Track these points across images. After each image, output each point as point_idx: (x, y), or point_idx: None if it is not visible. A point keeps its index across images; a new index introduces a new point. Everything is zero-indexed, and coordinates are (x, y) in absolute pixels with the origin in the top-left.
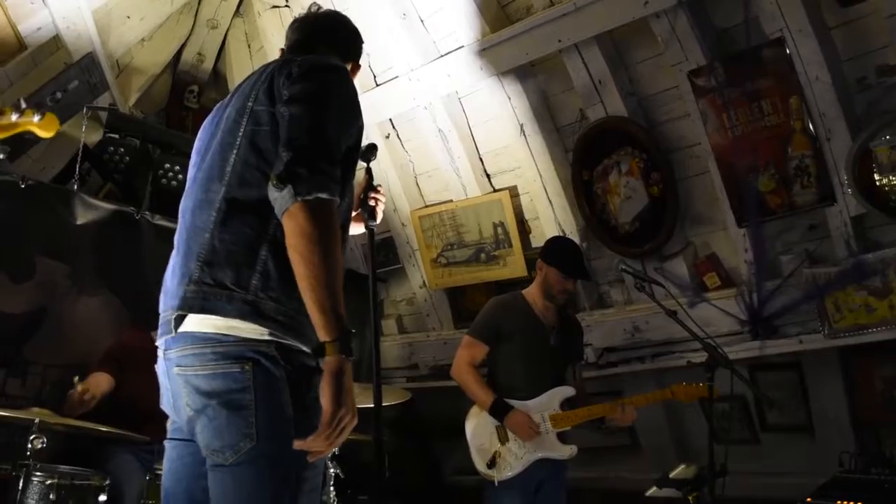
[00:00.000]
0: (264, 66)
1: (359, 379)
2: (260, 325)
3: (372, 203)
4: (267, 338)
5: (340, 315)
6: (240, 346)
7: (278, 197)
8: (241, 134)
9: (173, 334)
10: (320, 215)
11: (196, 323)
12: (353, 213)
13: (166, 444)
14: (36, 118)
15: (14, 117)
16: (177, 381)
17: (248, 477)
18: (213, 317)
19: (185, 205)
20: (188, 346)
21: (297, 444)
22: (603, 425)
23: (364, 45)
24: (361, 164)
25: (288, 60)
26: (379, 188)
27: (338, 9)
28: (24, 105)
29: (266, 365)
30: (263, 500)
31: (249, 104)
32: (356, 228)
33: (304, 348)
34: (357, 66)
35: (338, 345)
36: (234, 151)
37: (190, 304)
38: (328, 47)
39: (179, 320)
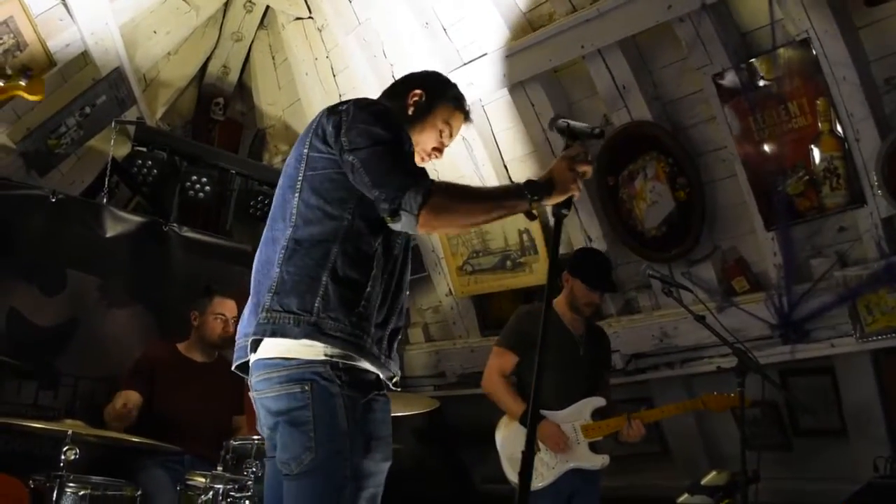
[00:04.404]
0: (318, 114)
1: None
2: (321, 343)
3: None
4: (322, 358)
5: (505, 194)
6: (300, 369)
7: (401, 226)
8: (300, 178)
9: (248, 358)
10: (439, 205)
11: (266, 349)
12: None
13: (268, 460)
14: (22, 82)
15: (0, 83)
16: (257, 403)
17: (308, 486)
18: (280, 340)
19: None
20: (261, 372)
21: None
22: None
23: (427, 77)
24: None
25: (333, 110)
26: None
27: (360, 19)
28: (9, 70)
29: (323, 384)
30: None
31: (305, 151)
32: None
33: (361, 362)
34: (412, 93)
35: (527, 196)
36: (296, 194)
37: (263, 329)
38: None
39: (255, 345)
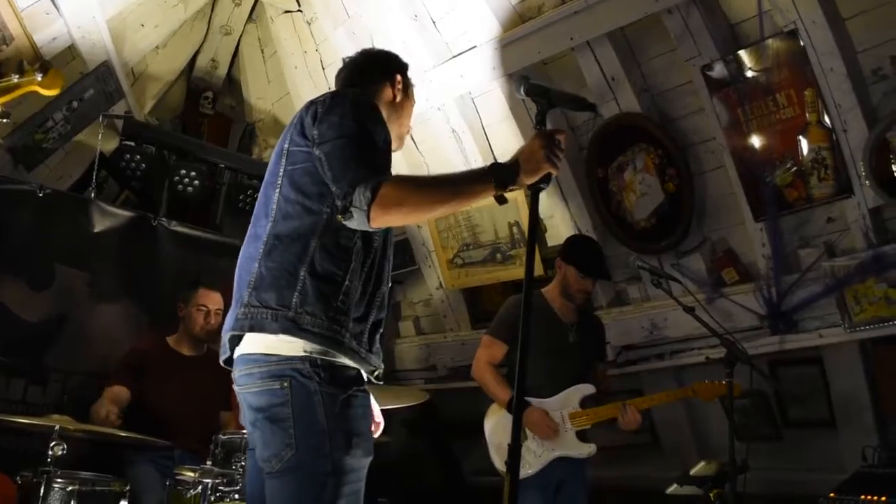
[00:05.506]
0: (300, 108)
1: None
2: (299, 338)
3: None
4: (301, 354)
5: (467, 180)
6: (280, 365)
7: (355, 224)
8: (281, 174)
9: (228, 354)
10: (389, 199)
11: (248, 344)
12: None
13: (249, 452)
14: (38, 76)
15: (16, 78)
16: (240, 397)
17: (289, 483)
18: (261, 335)
19: None
20: (243, 367)
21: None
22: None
23: (397, 59)
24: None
25: (312, 102)
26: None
27: (350, 13)
28: (26, 65)
29: (302, 381)
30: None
31: (286, 146)
32: None
33: (341, 357)
34: (396, 79)
35: (491, 181)
36: (277, 190)
37: (241, 325)
38: (359, 84)
39: (234, 340)
